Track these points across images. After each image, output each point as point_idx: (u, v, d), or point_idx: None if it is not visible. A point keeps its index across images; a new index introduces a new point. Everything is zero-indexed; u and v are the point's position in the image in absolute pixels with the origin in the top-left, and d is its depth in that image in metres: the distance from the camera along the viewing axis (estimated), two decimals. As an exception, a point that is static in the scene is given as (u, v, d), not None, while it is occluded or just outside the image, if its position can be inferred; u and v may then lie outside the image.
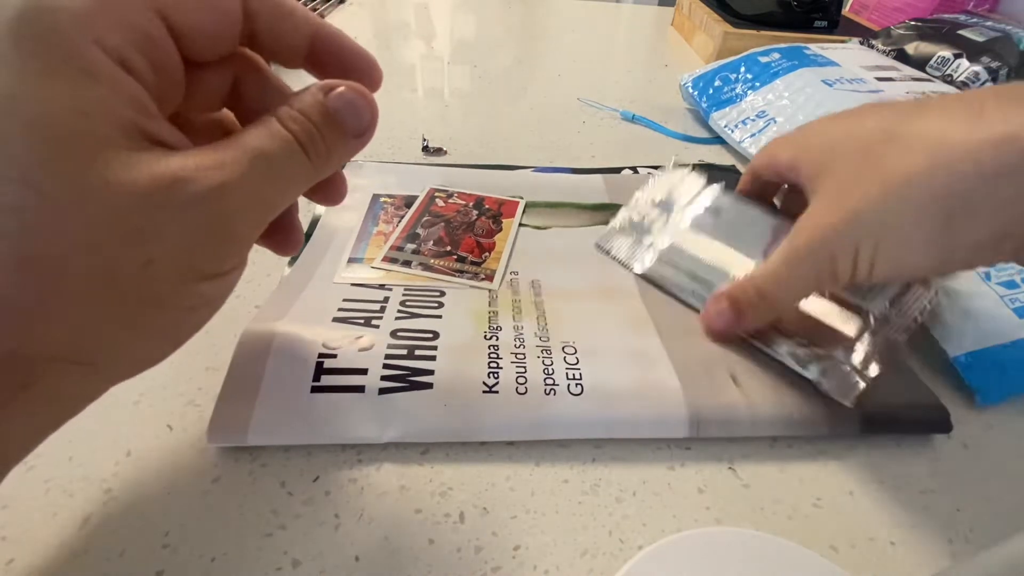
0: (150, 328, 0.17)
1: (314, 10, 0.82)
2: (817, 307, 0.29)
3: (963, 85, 0.51)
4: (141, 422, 0.25)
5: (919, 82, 0.46)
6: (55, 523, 0.22)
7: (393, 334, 0.28)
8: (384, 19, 0.82)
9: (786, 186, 0.32)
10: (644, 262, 0.33)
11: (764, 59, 0.52)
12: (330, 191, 0.24)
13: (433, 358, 0.26)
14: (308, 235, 0.36)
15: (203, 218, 0.16)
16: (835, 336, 0.28)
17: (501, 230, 0.37)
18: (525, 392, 0.25)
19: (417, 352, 0.27)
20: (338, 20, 0.80)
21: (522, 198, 0.40)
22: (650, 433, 0.25)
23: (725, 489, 0.24)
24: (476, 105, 0.57)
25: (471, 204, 0.39)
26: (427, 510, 0.23)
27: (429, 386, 0.25)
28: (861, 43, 0.62)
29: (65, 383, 0.16)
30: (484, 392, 0.25)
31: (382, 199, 0.39)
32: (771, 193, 0.33)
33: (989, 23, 0.56)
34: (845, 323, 0.28)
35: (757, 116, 0.48)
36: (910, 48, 0.57)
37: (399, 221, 0.37)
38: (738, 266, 0.31)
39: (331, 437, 0.24)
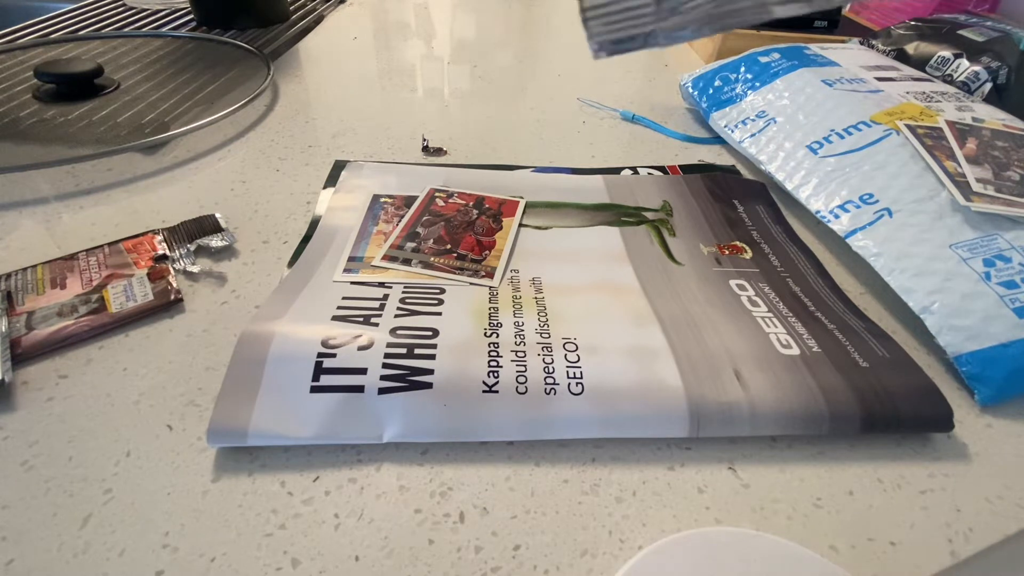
0: None
1: (314, 10, 0.82)
2: None
3: (963, 85, 0.51)
4: (141, 422, 0.25)
5: (919, 82, 0.46)
6: (55, 523, 0.22)
7: (392, 332, 0.28)
8: (384, 19, 0.82)
9: None
10: None
11: (764, 59, 0.52)
12: None
13: (433, 357, 0.26)
14: (308, 236, 0.37)
15: None
16: None
17: (501, 229, 0.37)
18: (525, 392, 0.25)
19: (417, 351, 0.27)
20: (338, 20, 0.80)
21: (522, 198, 0.40)
22: (650, 432, 0.25)
23: (725, 489, 0.24)
24: (476, 105, 0.57)
25: (471, 204, 0.39)
26: (427, 510, 0.23)
27: (429, 386, 0.25)
28: (861, 43, 0.62)
29: None
30: (484, 392, 0.25)
31: (382, 199, 0.39)
32: None
33: (989, 23, 0.56)
34: None
35: (757, 116, 0.48)
36: (910, 48, 0.57)
37: (399, 221, 0.37)
38: None
39: (330, 437, 0.24)
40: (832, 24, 0.70)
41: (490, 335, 0.28)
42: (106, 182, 0.42)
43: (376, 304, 0.30)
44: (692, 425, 0.25)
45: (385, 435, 0.25)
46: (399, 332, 0.28)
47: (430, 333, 0.28)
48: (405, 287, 0.31)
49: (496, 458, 0.25)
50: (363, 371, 0.25)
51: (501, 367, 0.26)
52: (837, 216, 0.37)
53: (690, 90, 0.56)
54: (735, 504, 0.24)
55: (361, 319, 0.28)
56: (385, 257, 0.34)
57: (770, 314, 0.31)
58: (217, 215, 0.37)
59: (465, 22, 0.84)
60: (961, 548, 0.23)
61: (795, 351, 0.28)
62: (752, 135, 0.47)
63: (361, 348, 0.26)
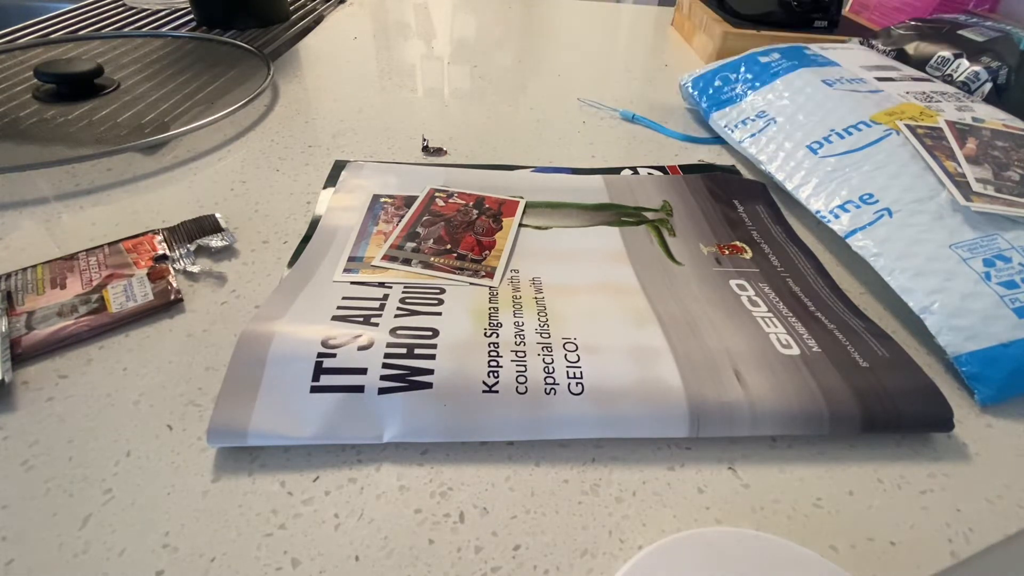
0: None
1: (314, 10, 0.82)
2: None
3: (963, 85, 0.51)
4: (141, 422, 0.25)
5: (919, 82, 0.46)
6: (55, 523, 0.22)
7: (392, 332, 0.27)
8: (384, 19, 0.82)
9: None
10: None
11: (764, 59, 0.52)
12: None
13: (433, 357, 0.26)
14: (308, 236, 0.37)
15: None
16: None
17: (501, 229, 0.37)
18: (525, 392, 0.25)
19: (417, 351, 0.27)
20: (338, 20, 0.80)
21: (522, 198, 0.40)
22: (650, 432, 0.25)
23: (725, 489, 0.24)
24: (476, 105, 0.57)
25: (471, 204, 0.39)
26: (427, 510, 0.23)
27: (428, 386, 0.25)
28: (861, 43, 0.62)
29: None
30: (484, 392, 0.25)
31: (382, 199, 0.39)
32: None
33: (989, 23, 0.56)
34: None
35: (757, 116, 0.48)
36: (910, 48, 0.57)
37: (399, 221, 0.37)
38: None
39: (330, 437, 0.24)
40: (832, 24, 0.70)
41: (490, 335, 0.28)
42: (106, 182, 0.42)
43: (376, 304, 0.30)
44: (692, 425, 0.25)
45: (385, 435, 0.25)
46: (399, 332, 0.28)
47: (430, 333, 0.28)
48: (405, 287, 0.31)
49: (496, 458, 0.25)
50: (363, 371, 0.25)
51: (501, 367, 0.26)
52: (837, 216, 0.37)
53: (690, 90, 0.56)
54: (735, 504, 0.24)
55: (361, 319, 0.28)
56: (385, 257, 0.34)
57: (770, 314, 0.31)
58: (217, 215, 0.37)
59: (465, 22, 0.84)
60: (961, 548, 0.23)
61: (795, 351, 0.28)
62: (752, 135, 0.47)
63: (361, 348, 0.26)
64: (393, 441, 0.25)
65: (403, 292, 0.31)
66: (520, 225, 0.38)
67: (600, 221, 0.39)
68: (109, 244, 0.35)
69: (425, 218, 0.37)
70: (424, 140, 0.49)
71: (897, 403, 0.26)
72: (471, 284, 0.32)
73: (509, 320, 0.29)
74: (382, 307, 0.30)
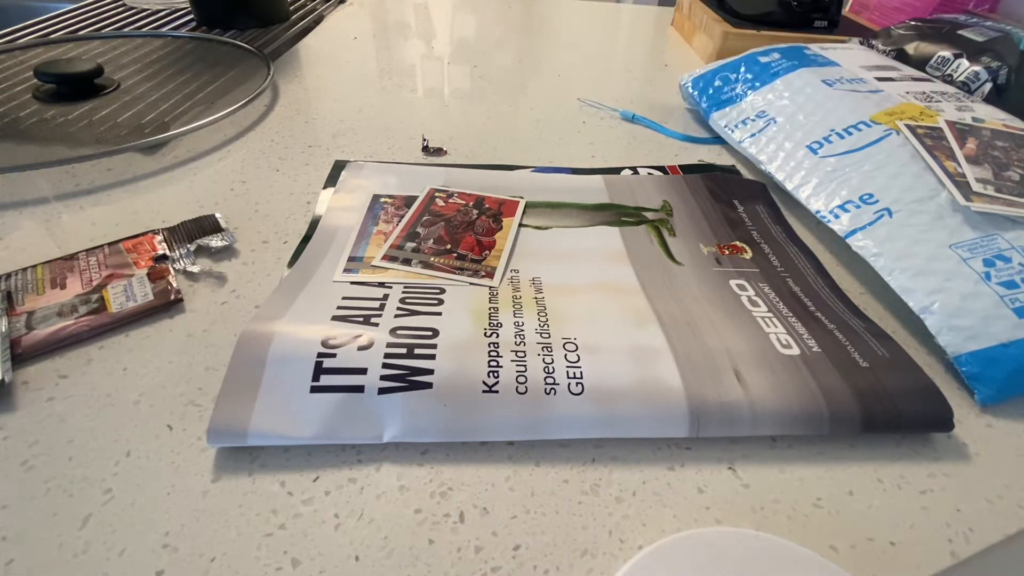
0: None
1: (314, 10, 0.82)
2: None
3: (963, 85, 0.51)
4: (141, 422, 0.25)
5: (919, 82, 0.46)
6: (55, 523, 0.22)
7: (392, 332, 0.27)
8: (384, 19, 0.82)
9: None
10: None
11: (764, 59, 0.52)
12: None
13: (433, 357, 0.26)
14: (308, 236, 0.37)
15: None
16: None
17: (501, 229, 0.37)
18: (525, 392, 0.25)
19: (417, 351, 0.27)
20: (338, 20, 0.80)
21: (522, 198, 0.40)
22: (650, 432, 0.25)
23: (725, 489, 0.24)
24: (476, 105, 0.57)
25: (471, 204, 0.39)
26: (427, 510, 0.23)
27: (428, 386, 0.25)
28: (861, 43, 0.62)
29: None
30: (484, 392, 0.25)
31: (382, 199, 0.39)
32: None
33: (989, 23, 0.56)
34: None
35: (757, 116, 0.48)
36: (910, 48, 0.57)
37: (399, 221, 0.37)
38: None
39: (330, 437, 0.24)
40: (832, 24, 0.70)
41: (490, 335, 0.28)
42: (106, 182, 0.42)
43: (376, 304, 0.30)
44: (692, 425, 0.25)
45: (385, 435, 0.25)
46: (399, 332, 0.28)
47: (430, 333, 0.28)
48: (405, 287, 0.31)
49: (496, 458, 0.25)
50: (363, 371, 0.25)
51: (501, 367, 0.26)
52: (837, 216, 0.37)
53: (690, 90, 0.56)
54: (735, 504, 0.24)
55: (361, 319, 0.28)
56: (385, 257, 0.34)
57: (770, 314, 0.31)
58: (217, 215, 0.37)
59: (465, 22, 0.84)
60: (961, 548, 0.23)
61: (795, 351, 0.28)
62: (752, 135, 0.47)
63: (361, 348, 0.26)
64: (393, 441, 0.25)
65: (403, 292, 0.31)
66: (520, 225, 0.38)
67: (600, 221, 0.39)
68: (109, 244, 0.35)
69: (425, 218, 0.37)
70: (424, 140, 0.49)
71: (897, 403, 0.26)
72: (471, 284, 0.32)
73: (509, 320, 0.29)
74: (382, 307, 0.30)
